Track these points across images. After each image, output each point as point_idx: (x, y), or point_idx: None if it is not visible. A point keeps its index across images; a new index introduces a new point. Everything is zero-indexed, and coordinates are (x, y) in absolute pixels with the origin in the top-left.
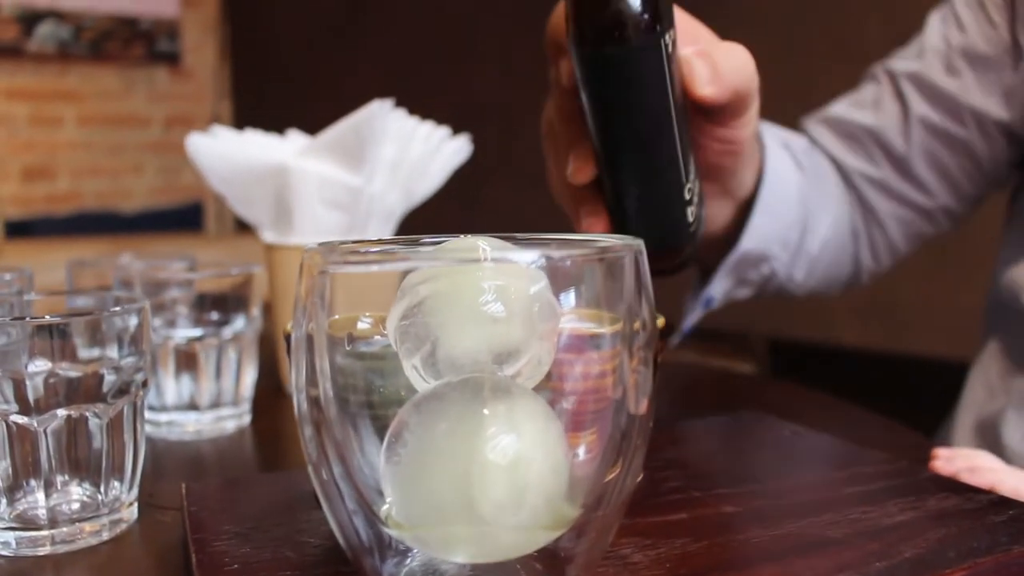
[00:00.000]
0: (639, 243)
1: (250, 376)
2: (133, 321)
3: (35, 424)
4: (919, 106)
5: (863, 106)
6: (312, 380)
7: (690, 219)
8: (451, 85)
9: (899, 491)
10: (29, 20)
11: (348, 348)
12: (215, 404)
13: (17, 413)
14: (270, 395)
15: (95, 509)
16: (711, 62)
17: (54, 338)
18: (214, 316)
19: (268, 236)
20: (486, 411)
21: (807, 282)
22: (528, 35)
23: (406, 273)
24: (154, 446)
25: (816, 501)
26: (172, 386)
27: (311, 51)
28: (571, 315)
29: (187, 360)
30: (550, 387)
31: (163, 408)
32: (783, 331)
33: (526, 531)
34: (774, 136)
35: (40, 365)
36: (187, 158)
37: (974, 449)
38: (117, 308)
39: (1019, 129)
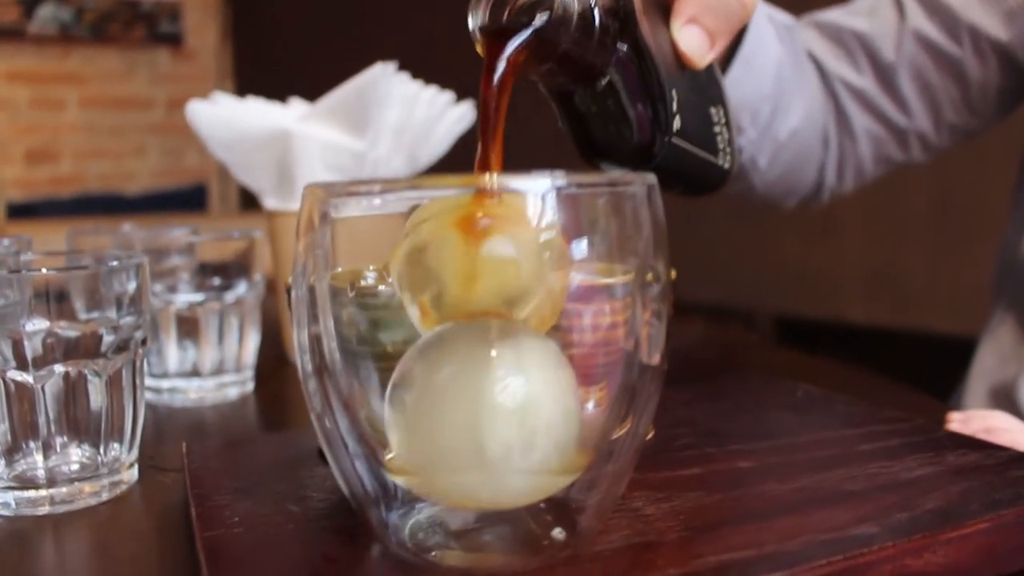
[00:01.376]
0: (652, 178)
1: (253, 342)
2: (132, 279)
3: (32, 380)
4: (916, 17)
5: (858, 13)
6: (315, 331)
7: (723, 163)
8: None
9: (917, 447)
10: (30, 2)
11: (352, 297)
12: (217, 370)
13: (15, 369)
14: (273, 363)
15: (94, 470)
16: (702, 26)
17: (51, 301)
18: (216, 282)
19: (270, 203)
20: (494, 353)
21: (769, 173)
22: None
23: (410, 216)
24: (156, 412)
25: (831, 456)
26: (174, 352)
27: (313, 32)
28: (583, 261)
29: (189, 326)
30: (559, 337)
31: (165, 375)
32: (789, 308)
33: (536, 476)
34: (760, 6)
35: (38, 324)
36: (190, 140)
37: (989, 410)
38: (115, 263)
39: (1018, 50)
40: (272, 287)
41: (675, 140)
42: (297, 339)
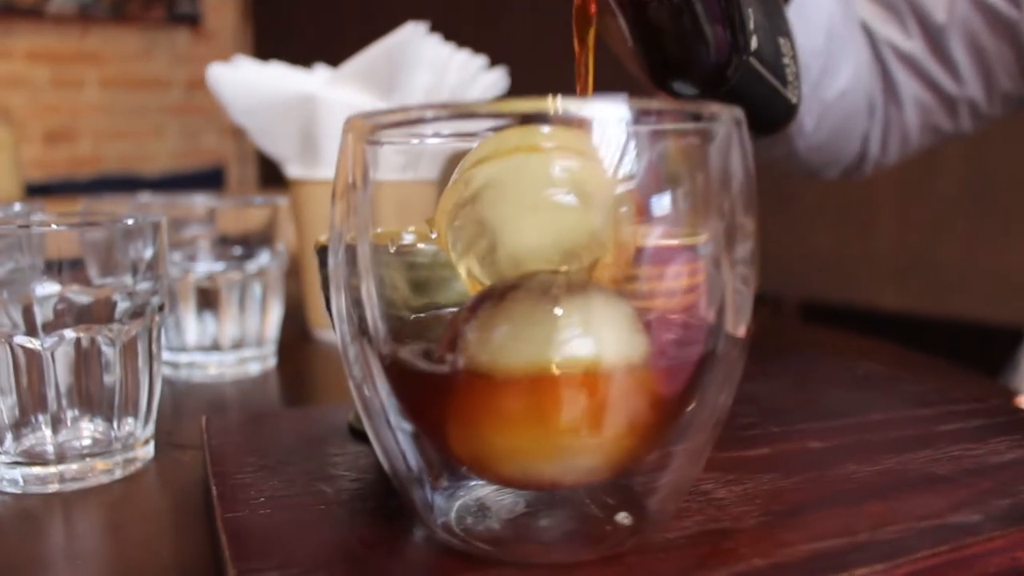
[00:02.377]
0: (739, 112)
1: (275, 315)
2: (149, 241)
3: (41, 346)
4: None
5: None
6: (355, 294)
7: (791, 96)
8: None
9: (1001, 429)
10: None
11: (394, 255)
12: (238, 344)
13: (23, 335)
14: (297, 339)
15: (107, 445)
16: None
17: (65, 268)
18: (237, 252)
19: (293, 171)
20: (558, 311)
21: (814, 136)
22: None
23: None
24: (174, 388)
25: (910, 437)
26: (193, 325)
27: (334, 11)
28: (661, 213)
29: (209, 297)
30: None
31: (183, 349)
32: (818, 294)
33: (604, 452)
34: None
35: (49, 288)
36: (209, 121)
37: None
38: (131, 222)
39: None
40: (295, 262)
41: (751, 60)
42: (335, 303)
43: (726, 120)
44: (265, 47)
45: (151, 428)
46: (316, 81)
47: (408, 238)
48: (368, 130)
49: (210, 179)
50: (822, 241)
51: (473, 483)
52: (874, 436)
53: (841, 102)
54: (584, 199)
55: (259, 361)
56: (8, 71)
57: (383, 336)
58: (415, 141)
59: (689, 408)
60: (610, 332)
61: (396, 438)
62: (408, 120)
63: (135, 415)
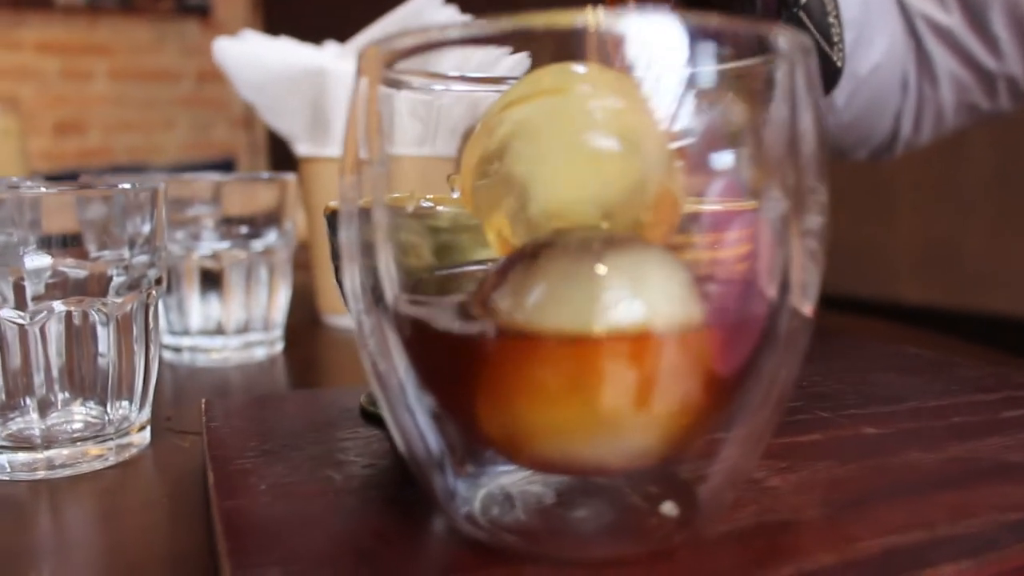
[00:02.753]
0: (808, 42)
1: (283, 297)
2: (147, 213)
3: (28, 320)
4: None
5: None
6: (369, 261)
7: (836, 58)
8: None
9: None
10: None
11: (413, 217)
12: (244, 328)
13: (10, 308)
14: (306, 324)
15: (100, 429)
16: None
17: (60, 244)
18: (244, 231)
19: (302, 149)
20: (602, 269)
21: (845, 113)
22: None
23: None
24: (176, 373)
25: (975, 423)
26: (196, 307)
27: (344, 2)
28: (720, 168)
29: (212, 278)
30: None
31: (186, 332)
32: (838, 286)
33: (655, 430)
34: None
35: (39, 260)
36: (219, 113)
37: None
38: (128, 186)
39: None
40: (305, 245)
41: (800, 13)
42: (347, 273)
43: (800, 49)
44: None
45: (147, 412)
46: (326, 55)
47: (426, 205)
48: (385, 60)
49: (220, 170)
50: (841, 232)
51: (500, 469)
52: (935, 422)
53: (874, 77)
54: (628, 145)
55: (265, 346)
56: (17, 62)
57: (401, 298)
58: (438, 87)
59: (747, 388)
60: (662, 293)
61: (415, 419)
62: (428, 43)
63: (130, 398)
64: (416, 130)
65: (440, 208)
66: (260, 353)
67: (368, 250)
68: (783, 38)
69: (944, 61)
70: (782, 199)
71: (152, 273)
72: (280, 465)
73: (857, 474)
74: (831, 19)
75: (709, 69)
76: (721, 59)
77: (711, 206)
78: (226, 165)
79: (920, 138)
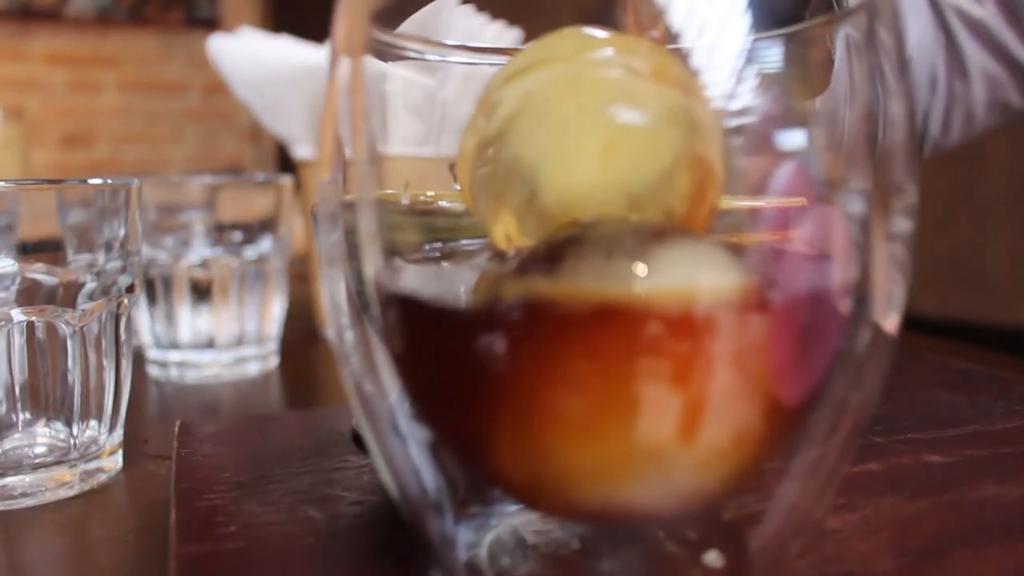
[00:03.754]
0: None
1: (277, 308)
2: (121, 216)
3: None
4: None
5: None
6: (355, 264)
7: None
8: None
9: None
10: None
11: (407, 215)
12: (236, 342)
13: None
14: (302, 338)
15: (65, 453)
16: None
17: (30, 250)
18: (237, 238)
19: (301, 151)
20: (638, 269)
21: None
22: None
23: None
24: (162, 390)
25: None
26: (186, 318)
27: None
28: (786, 152)
29: (202, 288)
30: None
31: (174, 345)
32: None
33: (702, 467)
34: None
35: (5, 265)
36: (227, 125)
37: None
38: (98, 181)
39: None
40: (302, 254)
41: None
42: (326, 277)
43: (887, 17)
44: None
45: (119, 434)
46: (327, 53)
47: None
48: (372, 13)
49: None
50: None
51: (509, 509)
52: (1005, 448)
53: None
54: (658, 118)
55: (259, 361)
56: (25, 74)
57: (385, 273)
58: (434, 58)
59: (815, 413)
60: (714, 294)
61: (407, 451)
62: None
63: (99, 418)
64: (415, 128)
65: (443, 203)
66: (253, 369)
67: (354, 252)
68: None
69: (976, 56)
70: (863, 195)
71: (123, 280)
72: (254, 500)
73: (929, 513)
74: None
75: (772, 33)
76: (786, 20)
77: (773, 200)
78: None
79: (949, 139)
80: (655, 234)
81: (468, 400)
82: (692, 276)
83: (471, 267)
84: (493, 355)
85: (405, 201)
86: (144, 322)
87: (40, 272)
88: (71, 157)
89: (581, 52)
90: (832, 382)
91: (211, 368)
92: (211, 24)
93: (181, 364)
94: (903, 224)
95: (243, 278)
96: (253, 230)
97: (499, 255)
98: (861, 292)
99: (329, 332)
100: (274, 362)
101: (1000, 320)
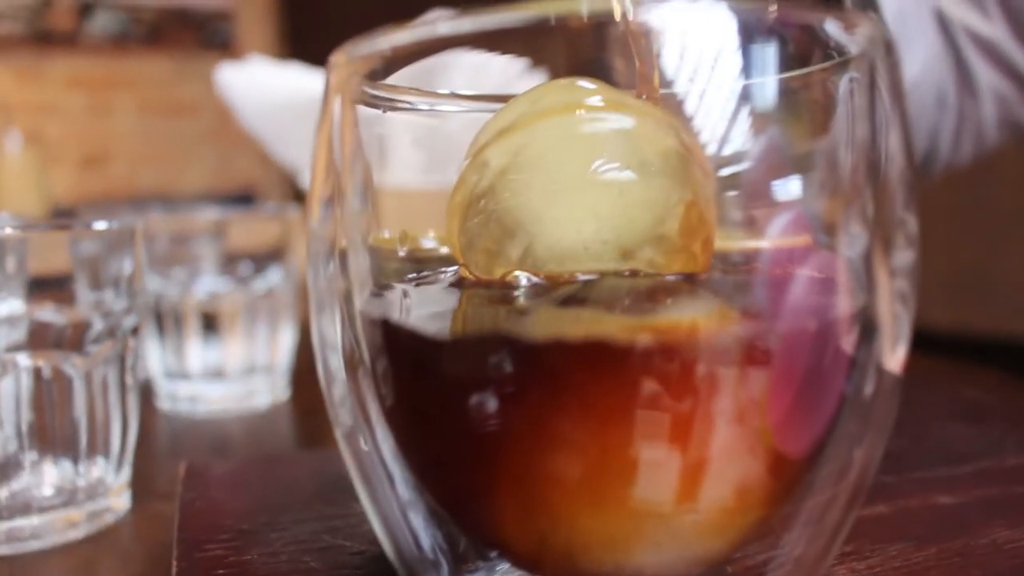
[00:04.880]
0: (890, 36)
1: (287, 340)
2: (126, 252)
3: None
4: None
5: None
6: (349, 311)
7: None
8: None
9: None
10: (85, 9)
11: (403, 260)
12: (245, 373)
13: None
14: (313, 369)
15: (71, 496)
16: None
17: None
18: (245, 269)
19: (308, 180)
20: (645, 339)
21: None
22: None
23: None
24: (172, 424)
25: None
26: (195, 350)
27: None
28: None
29: (211, 320)
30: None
31: (184, 376)
32: None
33: (701, 531)
34: None
35: (11, 306)
36: (242, 147)
37: None
38: (104, 225)
39: None
40: None
41: None
42: (315, 324)
43: (880, 48)
44: None
45: (126, 473)
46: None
47: (428, 244)
48: (361, 71)
49: (244, 203)
50: None
51: (509, 572)
52: (1019, 488)
53: (910, 94)
54: (652, 172)
55: (269, 393)
56: (43, 97)
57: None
58: (425, 107)
59: (820, 461)
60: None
61: (403, 510)
62: (417, 46)
63: (106, 457)
64: (418, 158)
65: (445, 249)
66: (264, 401)
67: (345, 298)
68: (858, 29)
69: (986, 75)
70: (863, 233)
71: (128, 321)
72: (256, 550)
73: (938, 560)
74: None
75: (767, 76)
76: (782, 58)
77: (772, 243)
78: (246, 198)
79: (960, 157)
80: (652, 291)
81: (464, 460)
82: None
83: (452, 298)
84: (485, 413)
85: (402, 253)
86: (154, 355)
87: (48, 313)
88: (89, 179)
89: (572, 106)
90: (839, 428)
91: (220, 401)
92: (226, 47)
93: (192, 399)
94: (906, 256)
95: (252, 311)
96: (262, 260)
97: (473, 284)
98: (865, 332)
99: (321, 383)
100: (285, 394)
101: (1013, 332)
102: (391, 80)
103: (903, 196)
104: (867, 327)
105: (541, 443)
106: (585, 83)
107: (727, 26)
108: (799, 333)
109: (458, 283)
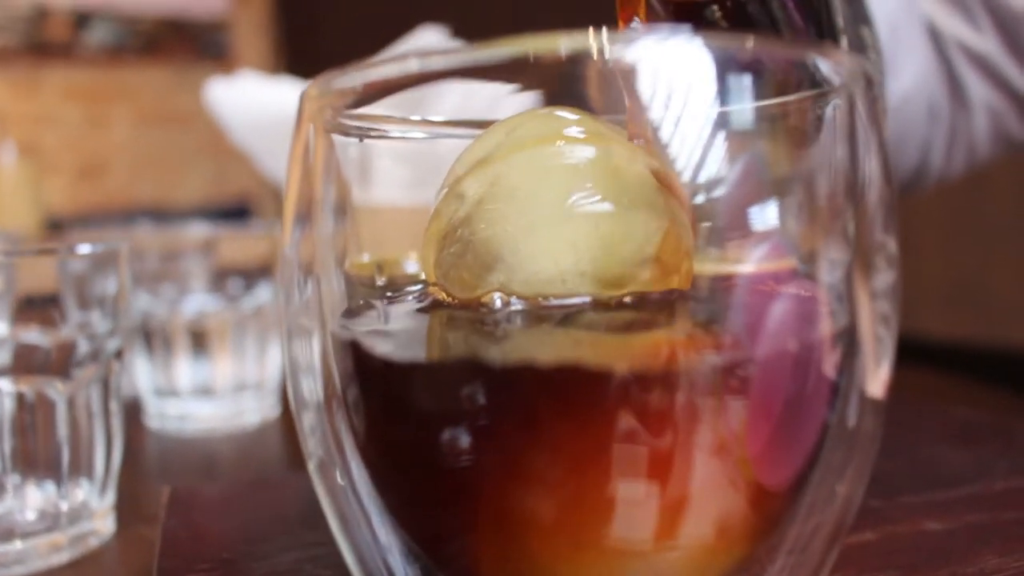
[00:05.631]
0: (873, 70)
1: (277, 357)
2: (110, 273)
3: None
4: None
5: None
6: (323, 341)
7: None
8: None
9: None
10: (82, 20)
11: (380, 290)
12: (235, 391)
13: None
14: None
15: (53, 520)
16: None
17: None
18: (235, 286)
19: None
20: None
21: None
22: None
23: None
24: (161, 443)
25: None
26: (184, 368)
27: (368, 46)
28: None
29: (200, 337)
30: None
31: (173, 394)
32: None
33: (686, 566)
34: None
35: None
36: (238, 158)
37: None
38: (85, 248)
39: None
40: None
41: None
42: (286, 352)
43: (859, 86)
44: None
45: (110, 497)
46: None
47: (412, 267)
48: (331, 104)
49: (239, 214)
50: None
51: None
52: (1007, 513)
53: (902, 108)
54: (630, 204)
55: (259, 411)
56: (39, 109)
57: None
58: (410, 134)
59: (806, 507)
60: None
61: (380, 552)
62: (382, 81)
63: (90, 480)
64: (403, 175)
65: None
66: (253, 419)
67: (319, 327)
68: (841, 66)
69: (978, 88)
70: (842, 259)
71: (112, 344)
72: None
73: None
74: (871, 54)
75: (745, 106)
76: (760, 93)
77: (749, 269)
78: (242, 210)
79: (952, 170)
80: (629, 317)
81: (437, 497)
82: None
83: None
84: (457, 445)
85: (380, 282)
86: (143, 372)
87: (33, 335)
88: (85, 190)
89: (549, 137)
90: (822, 458)
91: (209, 419)
92: (222, 57)
93: (181, 417)
94: (886, 277)
95: (242, 327)
96: (252, 276)
97: (449, 305)
98: (847, 357)
99: (292, 411)
100: (275, 412)
101: (1006, 341)
102: (379, 105)
103: (883, 218)
104: (849, 351)
105: (515, 479)
106: (562, 112)
107: (703, 61)
108: (780, 358)
109: (433, 304)
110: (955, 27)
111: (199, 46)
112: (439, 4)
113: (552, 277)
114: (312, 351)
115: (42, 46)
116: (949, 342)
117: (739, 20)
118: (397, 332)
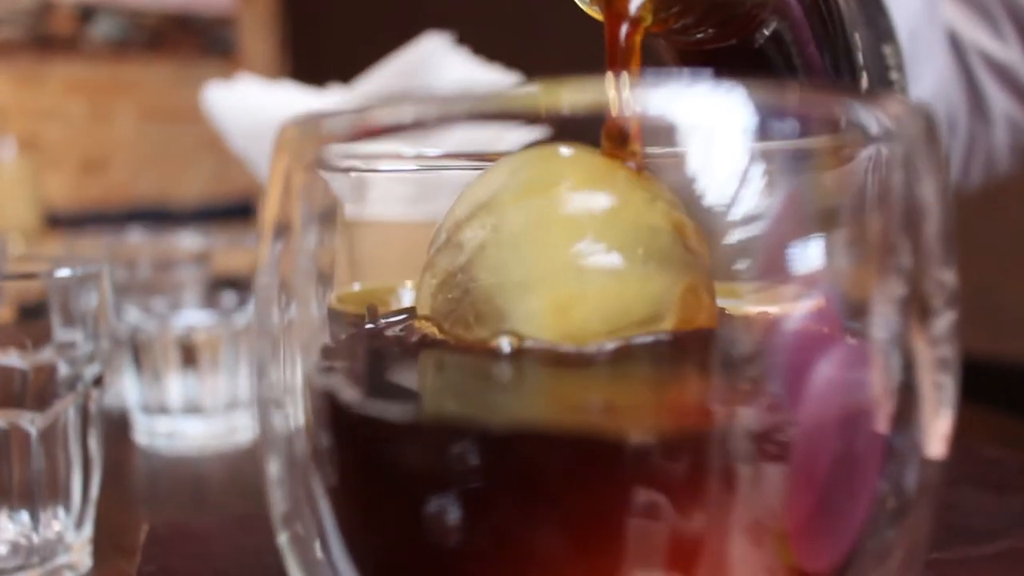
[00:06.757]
0: (929, 111)
1: None
2: (89, 294)
3: None
4: None
5: None
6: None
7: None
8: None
9: None
10: (86, 14)
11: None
12: (226, 408)
13: None
14: None
15: (26, 555)
16: None
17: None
18: (228, 298)
19: None
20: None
21: None
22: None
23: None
24: (150, 463)
25: None
26: (174, 385)
27: (372, 41)
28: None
29: (190, 353)
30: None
31: (162, 411)
32: None
33: None
34: None
35: None
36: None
37: None
38: (67, 272)
39: None
40: None
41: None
42: (259, 399)
43: (915, 123)
44: (302, 78)
45: (87, 530)
46: (327, 101)
47: (407, 297)
48: (311, 145)
49: (242, 211)
50: None
51: None
52: None
53: None
54: (647, 261)
55: (251, 429)
56: (43, 103)
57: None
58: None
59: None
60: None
61: None
62: (370, 128)
63: (67, 512)
64: (401, 191)
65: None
66: (245, 438)
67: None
68: (897, 119)
69: (999, 99)
70: (897, 307)
71: (91, 371)
72: None
73: None
74: (893, 74)
75: (785, 154)
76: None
77: (790, 315)
78: (244, 208)
79: (970, 183)
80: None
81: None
82: None
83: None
84: (444, 519)
85: (369, 325)
86: (131, 388)
87: (12, 359)
88: (88, 184)
89: (554, 183)
90: (873, 536)
91: (201, 438)
92: (227, 53)
93: (170, 434)
94: (946, 319)
95: (234, 343)
96: (246, 288)
97: (444, 346)
98: (903, 415)
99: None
100: None
101: (1018, 354)
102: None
103: (939, 254)
104: (904, 406)
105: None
106: (568, 151)
107: (745, 112)
108: (825, 418)
109: (425, 343)
110: (977, 35)
111: (204, 42)
112: (443, 1)
113: (558, 337)
114: (285, 387)
115: (46, 40)
116: (961, 357)
117: (754, 63)
118: (382, 379)
